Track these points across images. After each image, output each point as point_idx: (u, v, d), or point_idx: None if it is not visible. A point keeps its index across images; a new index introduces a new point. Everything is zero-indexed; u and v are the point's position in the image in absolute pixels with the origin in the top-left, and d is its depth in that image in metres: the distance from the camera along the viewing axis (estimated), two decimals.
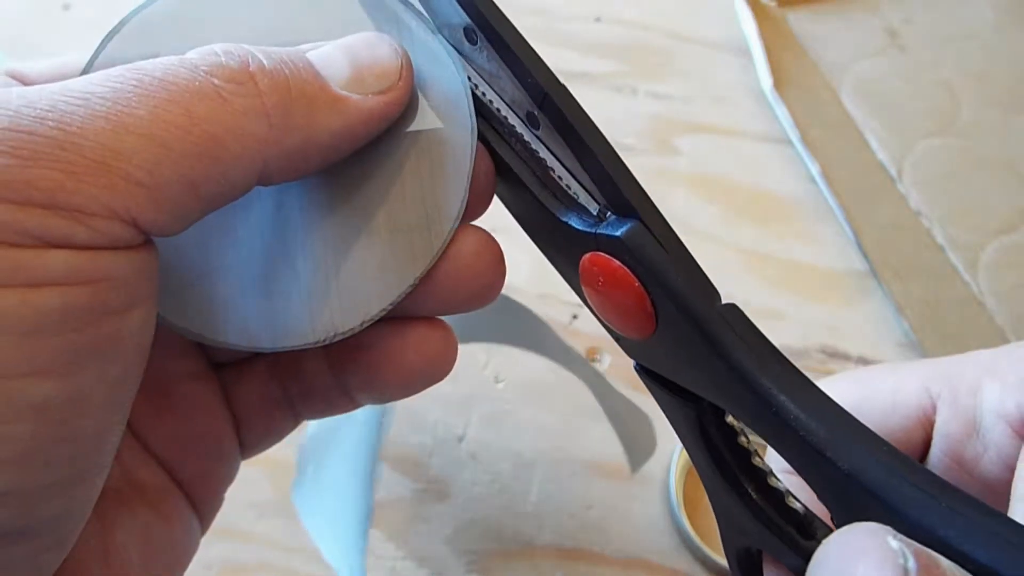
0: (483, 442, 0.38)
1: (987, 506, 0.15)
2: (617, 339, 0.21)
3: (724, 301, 0.18)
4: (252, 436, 0.23)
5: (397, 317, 0.21)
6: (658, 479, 0.37)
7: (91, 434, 0.16)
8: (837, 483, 0.16)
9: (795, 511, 0.19)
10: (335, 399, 0.22)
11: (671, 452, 0.37)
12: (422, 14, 0.21)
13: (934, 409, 0.20)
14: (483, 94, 0.20)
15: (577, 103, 0.18)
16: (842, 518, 0.16)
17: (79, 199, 0.14)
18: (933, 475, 0.15)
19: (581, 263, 0.19)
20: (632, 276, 0.18)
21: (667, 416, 0.21)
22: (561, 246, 0.21)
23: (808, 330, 0.42)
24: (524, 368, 0.40)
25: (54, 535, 0.16)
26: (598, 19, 0.54)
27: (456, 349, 0.22)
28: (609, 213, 0.19)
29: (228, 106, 0.16)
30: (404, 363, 0.21)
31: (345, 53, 0.19)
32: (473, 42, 0.20)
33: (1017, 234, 0.44)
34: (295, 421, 0.24)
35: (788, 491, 0.19)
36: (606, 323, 0.20)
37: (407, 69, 0.20)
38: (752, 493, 0.20)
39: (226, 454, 0.23)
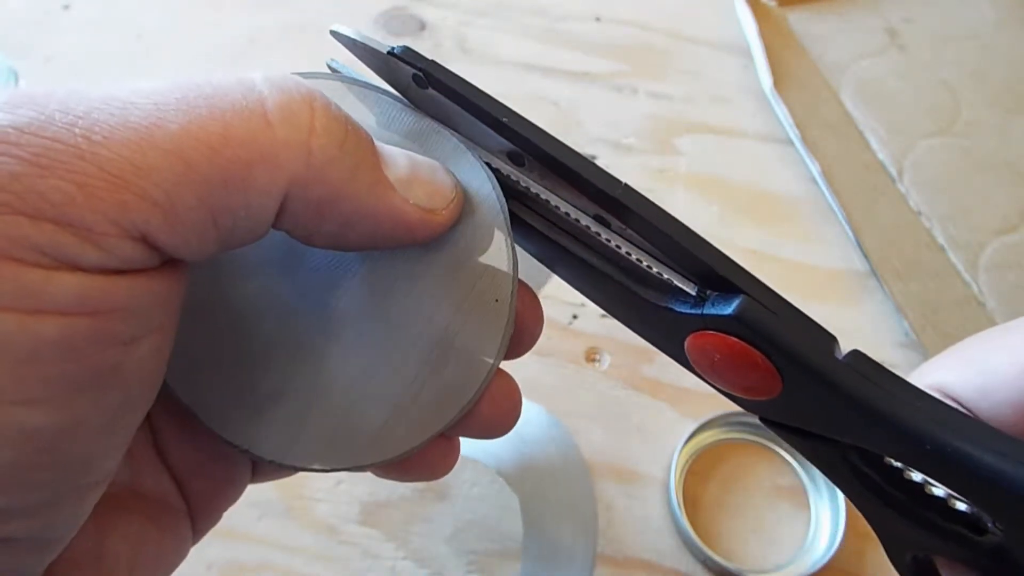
0: (482, 442, 0.38)
1: None
2: (737, 401, 0.21)
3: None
4: (266, 464, 0.23)
5: None
6: (658, 479, 0.37)
7: (79, 460, 0.15)
8: (1013, 505, 0.16)
9: (962, 512, 0.19)
10: None
11: (671, 452, 0.37)
12: (470, 144, 0.21)
13: None
14: (547, 200, 0.20)
15: (645, 198, 0.18)
16: (1020, 538, 0.16)
17: (90, 217, 0.14)
18: None
19: (688, 343, 0.20)
20: (751, 349, 0.18)
21: (804, 455, 0.21)
22: (663, 329, 0.21)
23: None
24: (524, 369, 0.40)
25: (34, 543, 0.16)
26: (598, 19, 0.54)
27: (455, 461, 0.22)
28: (709, 292, 0.19)
29: (270, 132, 0.15)
30: (400, 467, 0.22)
31: (408, 159, 0.19)
32: (520, 164, 0.20)
33: (1017, 234, 0.44)
34: None
35: (950, 494, 0.19)
36: (727, 391, 0.20)
37: (457, 203, 0.20)
38: (912, 506, 0.20)
39: (238, 477, 0.23)
